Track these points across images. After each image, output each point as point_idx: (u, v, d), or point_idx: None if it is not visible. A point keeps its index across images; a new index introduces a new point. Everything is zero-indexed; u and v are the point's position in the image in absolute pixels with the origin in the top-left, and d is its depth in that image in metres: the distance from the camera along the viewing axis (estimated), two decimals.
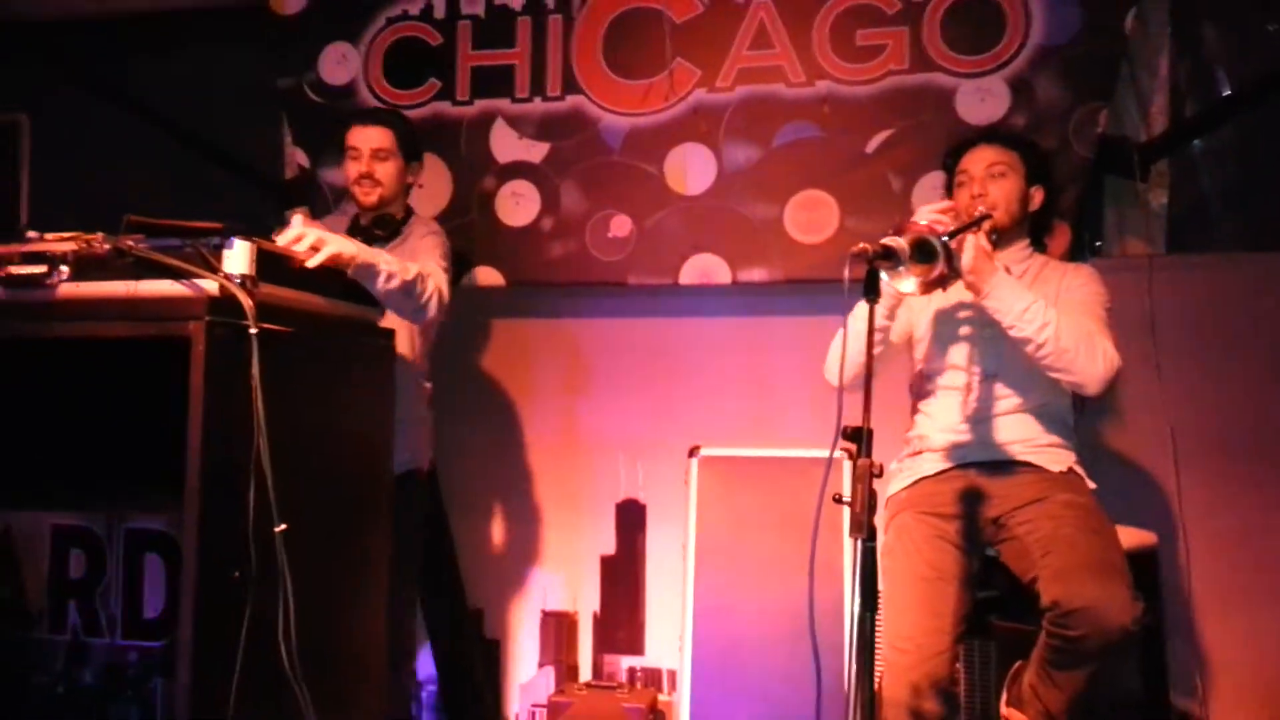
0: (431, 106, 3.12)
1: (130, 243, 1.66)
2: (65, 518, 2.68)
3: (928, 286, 1.78)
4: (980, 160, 2.26)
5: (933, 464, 2.21)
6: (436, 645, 3.08)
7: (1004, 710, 2.10)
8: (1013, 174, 2.25)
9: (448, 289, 2.41)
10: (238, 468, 1.60)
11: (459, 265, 2.86)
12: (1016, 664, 2.10)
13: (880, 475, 1.48)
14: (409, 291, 2.14)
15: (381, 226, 2.56)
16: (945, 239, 1.76)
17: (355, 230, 2.56)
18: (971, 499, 2.10)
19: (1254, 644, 2.68)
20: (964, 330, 2.25)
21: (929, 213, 1.94)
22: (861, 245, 1.59)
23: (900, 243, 1.68)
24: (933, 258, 1.74)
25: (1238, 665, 2.69)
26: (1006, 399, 2.18)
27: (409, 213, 2.67)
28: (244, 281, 1.64)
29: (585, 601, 3.17)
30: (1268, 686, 2.67)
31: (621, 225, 3.02)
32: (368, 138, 2.56)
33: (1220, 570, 2.68)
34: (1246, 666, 2.69)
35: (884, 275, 1.67)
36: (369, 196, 2.56)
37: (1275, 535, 2.70)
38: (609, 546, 3.17)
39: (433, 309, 2.24)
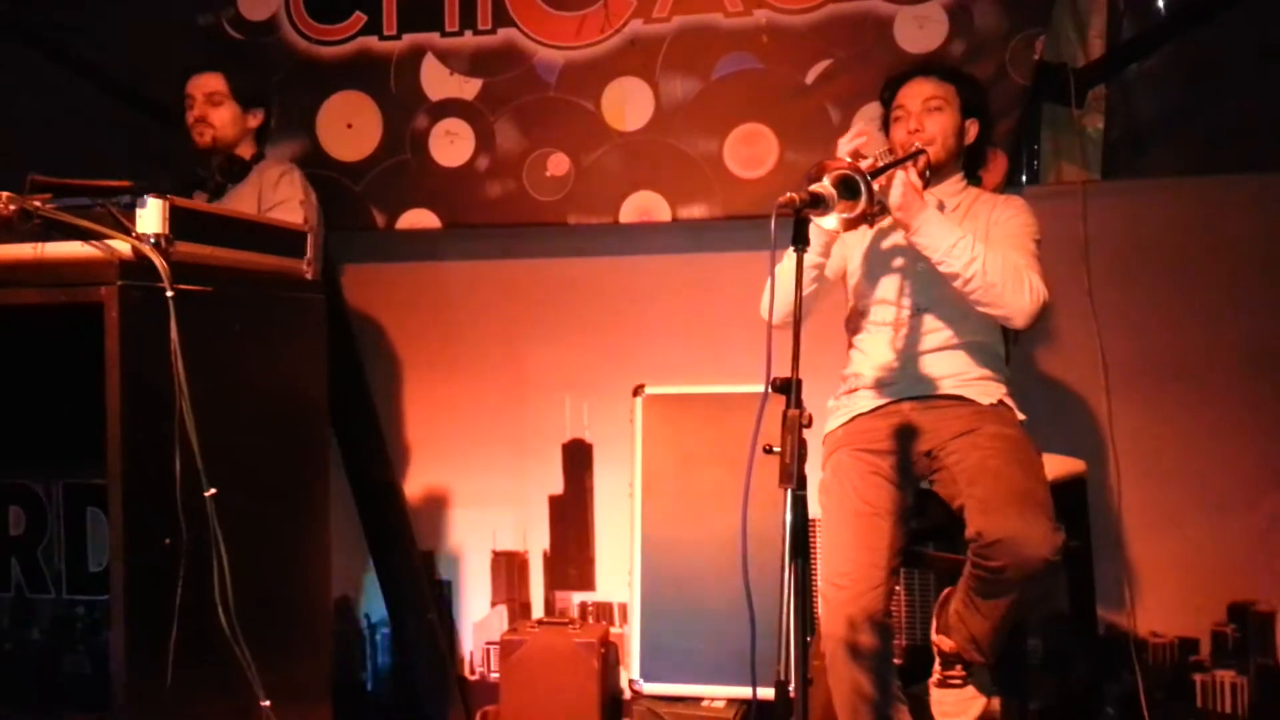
0: (358, 42, 3.01)
1: (37, 203, 1.60)
2: (1, 476, 2.64)
3: (851, 223, 1.77)
4: (916, 94, 2.24)
5: (868, 400, 2.24)
6: (388, 588, 3.10)
7: (933, 636, 2.17)
8: (949, 108, 2.24)
9: (311, 214, 2.63)
10: (162, 434, 1.57)
11: (392, 209, 2.94)
12: (945, 591, 2.15)
13: (809, 425, 1.49)
14: None
15: (225, 170, 2.66)
16: (869, 175, 1.74)
17: (200, 176, 2.67)
18: (905, 434, 2.13)
19: (1178, 558, 2.77)
20: (896, 264, 2.25)
21: (847, 143, 1.94)
22: (789, 195, 1.58)
23: (829, 189, 1.67)
24: (855, 194, 1.73)
25: (1163, 579, 2.79)
26: (937, 334, 2.20)
27: (259, 156, 2.74)
28: (158, 241, 1.58)
29: (535, 540, 3.20)
30: (1190, 596, 2.77)
31: (559, 164, 2.96)
32: (200, 84, 2.66)
33: (1148, 490, 2.76)
34: (1171, 579, 2.78)
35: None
36: (202, 138, 2.66)
37: (1200, 455, 2.77)
38: (557, 486, 3.18)
39: None
